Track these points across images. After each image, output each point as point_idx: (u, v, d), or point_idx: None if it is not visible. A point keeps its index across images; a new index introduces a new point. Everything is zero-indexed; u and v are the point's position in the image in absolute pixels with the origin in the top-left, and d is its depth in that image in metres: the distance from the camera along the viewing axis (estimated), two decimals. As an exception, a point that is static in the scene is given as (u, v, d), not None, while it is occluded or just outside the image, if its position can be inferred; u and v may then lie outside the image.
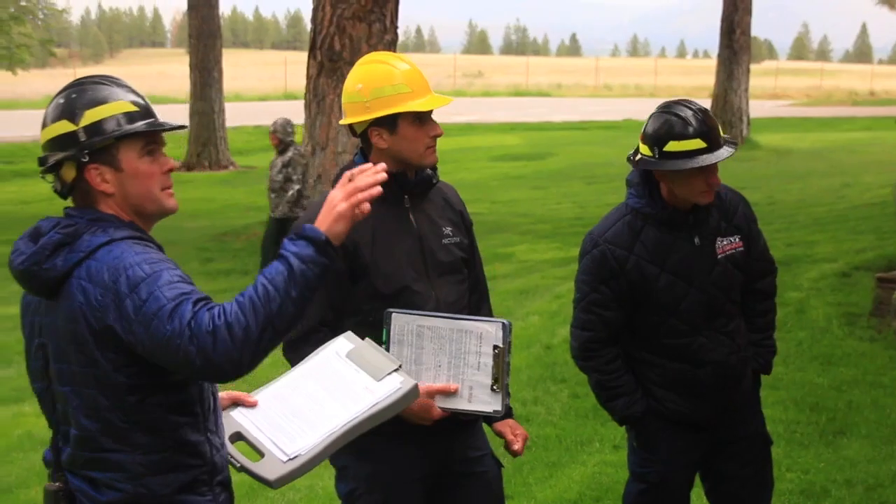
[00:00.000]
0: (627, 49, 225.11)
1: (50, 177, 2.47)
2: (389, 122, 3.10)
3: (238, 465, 2.56)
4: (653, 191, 3.55)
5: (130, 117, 2.44)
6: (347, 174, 2.43)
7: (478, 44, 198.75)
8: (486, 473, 3.27)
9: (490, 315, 3.38)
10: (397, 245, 3.12)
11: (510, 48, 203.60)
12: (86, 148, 2.39)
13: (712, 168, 3.46)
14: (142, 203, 2.46)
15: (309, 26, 13.37)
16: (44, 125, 2.47)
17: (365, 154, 3.19)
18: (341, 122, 3.23)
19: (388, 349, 3.03)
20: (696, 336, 3.57)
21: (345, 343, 2.75)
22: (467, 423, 3.19)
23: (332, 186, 3.26)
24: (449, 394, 3.03)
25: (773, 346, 3.81)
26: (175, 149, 23.13)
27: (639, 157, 3.54)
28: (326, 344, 2.78)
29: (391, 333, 3.04)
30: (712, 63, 25.37)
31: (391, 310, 3.03)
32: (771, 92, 48.56)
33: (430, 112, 3.16)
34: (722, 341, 3.60)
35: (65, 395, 2.42)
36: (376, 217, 3.10)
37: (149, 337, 2.24)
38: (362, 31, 12.68)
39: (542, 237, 12.62)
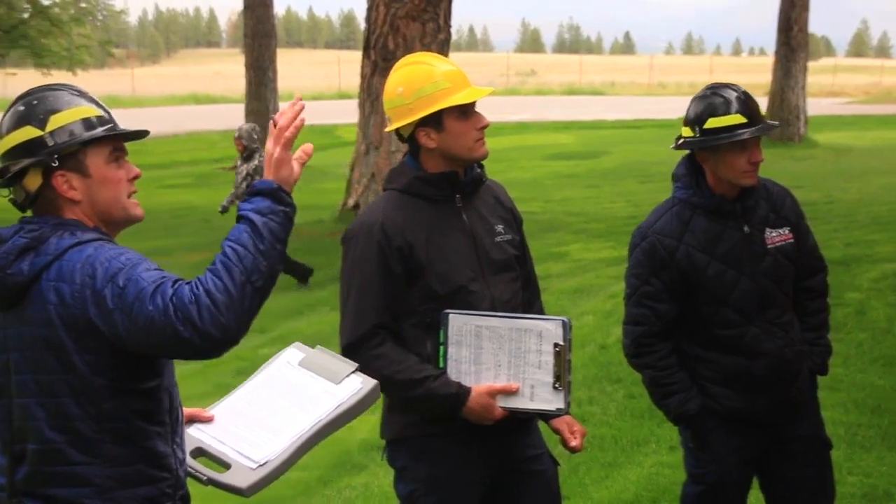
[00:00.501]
0: (682, 47, 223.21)
1: (5, 191, 2.39)
2: (435, 121, 3.09)
3: (205, 478, 2.49)
4: (699, 180, 3.56)
5: (93, 123, 2.39)
6: (271, 122, 2.42)
7: (531, 42, 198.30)
8: (544, 472, 3.25)
9: (542, 312, 3.37)
10: (451, 245, 3.11)
11: (563, 46, 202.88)
12: (55, 152, 2.32)
13: (754, 147, 3.48)
14: (109, 210, 2.41)
15: (363, 26, 13.42)
16: (2, 134, 2.38)
17: (415, 156, 3.18)
18: (387, 129, 3.23)
19: (446, 350, 3.03)
20: (748, 326, 3.53)
21: (295, 353, 2.72)
22: (524, 422, 3.18)
23: (384, 187, 3.28)
24: (510, 393, 3.02)
25: (829, 345, 3.76)
26: (230, 148, 23.35)
27: (681, 140, 3.56)
28: (275, 356, 2.74)
29: (449, 334, 3.03)
30: (768, 60, 25.06)
31: (448, 311, 3.02)
32: (829, 89, 47.87)
33: (474, 105, 3.15)
34: (775, 333, 3.55)
35: (26, 407, 2.31)
36: (429, 218, 3.11)
37: (132, 322, 2.19)
38: (416, 31, 12.71)
39: (595, 236, 12.55)
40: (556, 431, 3.26)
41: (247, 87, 21.26)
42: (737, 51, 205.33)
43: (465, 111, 3.11)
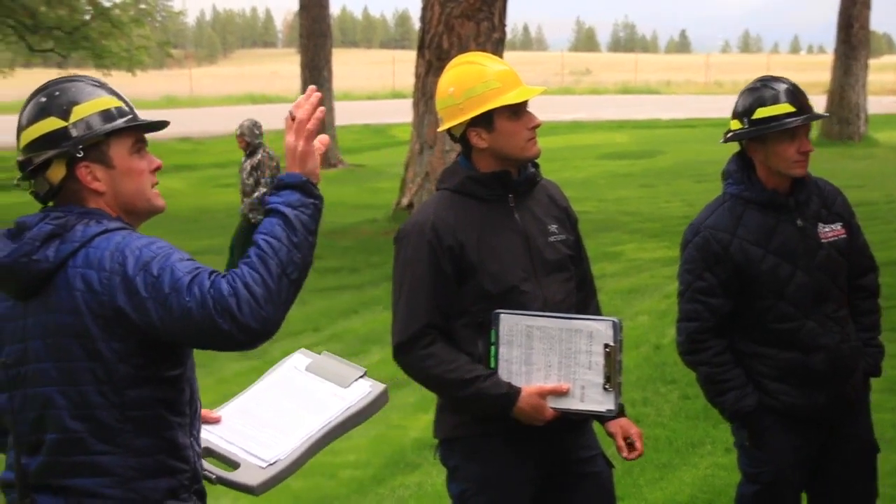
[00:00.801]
0: (739, 45, 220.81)
1: (26, 184, 2.37)
2: (485, 121, 3.08)
3: (214, 477, 2.47)
4: (751, 175, 3.57)
5: (114, 114, 2.37)
6: (287, 117, 2.40)
7: (585, 41, 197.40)
8: (599, 474, 3.23)
9: (598, 312, 3.35)
10: (503, 244, 3.10)
11: (618, 45, 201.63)
12: (79, 143, 2.31)
13: (803, 136, 3.50)
14: (133, 201, 2.39)
15: (417, 25, 13.45)
16: (24, 126, 2.37)
17: (467, 156, 3.18)
18: (439, 129, 3.22)
19: (496, 350, 3.02)
20: (804, 320, 3.51)
21: (301, 358, 2.72)
22: (577, 423, 3.16)
23: (436, 187, 3.28)
24: (561, 394, 3.01)
25: (882, 346, 3.72)
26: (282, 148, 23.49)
27: (730, 133, 3.58)
28: (280, 362, 2.75)
29: (500, 334, 3.02)
30: (828, 58, 24.70)
31: (499, 311, 3.02)
32: (890, 87, 47.01)
33: (526, 104, 3.13)
34: (832, 327, 3.54)
35: (46, 396, 2.27)
36: (481, 217, 3.11)
37: (166, 312, 2.17)
38: (470, 30, 12.71)
39: (650, 236, 12.46)
40: (611, 436, 3.24)
41: (302, 86, 21.38)
42: (795, 48, 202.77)
43: (516, 111, 3.10)
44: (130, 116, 2.39)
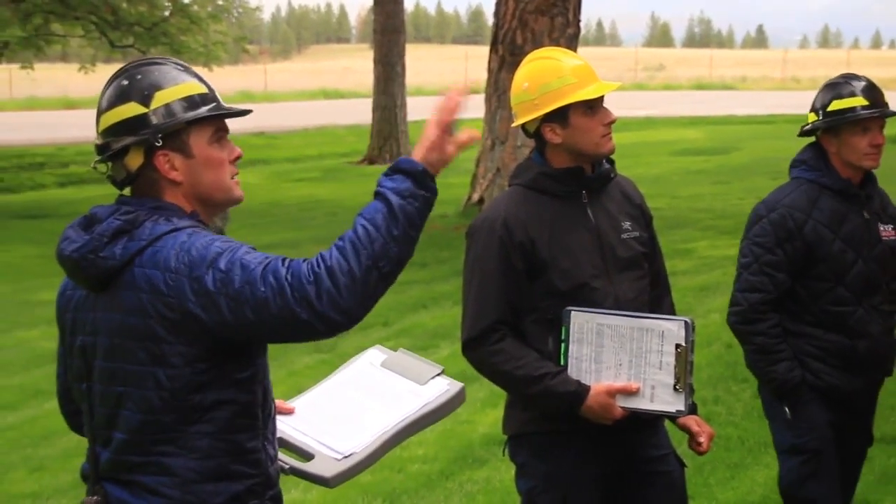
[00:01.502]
0: (817, 40, 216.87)
1: (102, 166, 2.30)
2: (560, 116, 3.07)
3: (287, 467, 2.43)
4: (827, 163, 3.76)
5: (197, 101, 2.28)
6: (435, 103, 2.28)
7: (660, 36, 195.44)
8: (670, 473, 3.21)
9: (672, 310, 3.33)
10: (575, 241, 3.09)
11: (693, 41, 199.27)
12: (160, 131, 2.22)
13: (876, 130, 3.70)
14: (211, 192, 2.30)
15: (490, 20, 13.43)
16: (104, 109, 2.28)
17: (541, 152, 3.17)
18: (513, 124, 3.21)
19: (567, 348, 3.01)
20: (857, 307, 3.71)
21: (377, 354, 2.71)
22: (648, 422, 3.14)
23: (509, 182, 3.27)
24: (630, 393, 2.98)
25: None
26: (357, 143, 23.71)
27: (807, 126, 3.80)
28: (355, 357, 2.74)
29: (570, 332, 3.01)
30: (910, 53, 24.08)
31: (570, 308, 3.00)
32: (975, 83, 45.85)
33: (601, 100, 3.11)
34: (877, 318, 3.75)
35: (115, 395, 2.23)
36: (554, 214, 3.10)
37: (240, 307, 2.07)
38: (544, 25, 12.66)
39: (723, 233, 12.29)
40: (685, 429, 3.21)
41: (375, 82, 21.51)
42: (876, 44, 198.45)
43: (592, 106, 3.08)
44: (214, 105, 2.30)
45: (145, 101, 2.24)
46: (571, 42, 13.02)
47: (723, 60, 70.06)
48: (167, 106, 2.25)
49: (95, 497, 2.27)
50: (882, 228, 3.78)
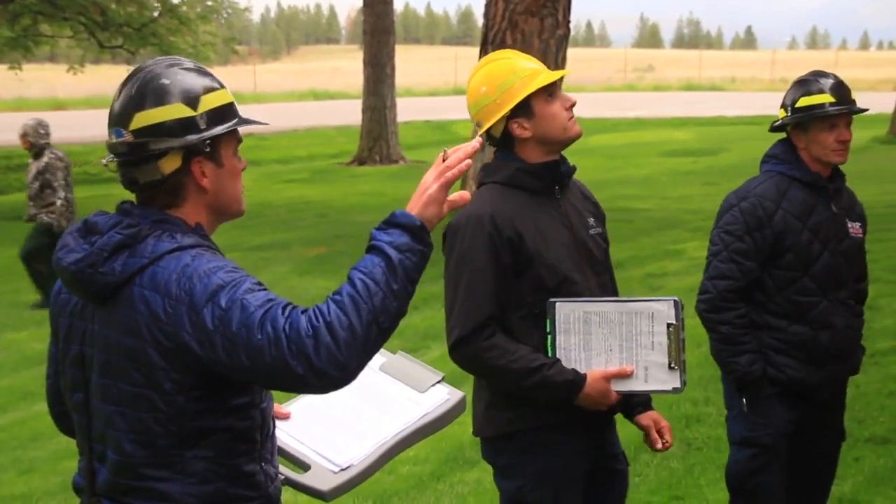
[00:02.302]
0: (806, 41, 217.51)
1: (113, 165, 2.21)
2: (524, 110, 3.10)
3: (282, 477, 2.36)
4: (798, 158, 3.84)
5: (233, 109, 2.23)
6: (441, 154, 2.21)
7: (649, 37, 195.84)
8: (622, 472, 3.30)
9: None
10: (556, 236, 3.12)
11: (682, 42, 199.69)
12: (208, 137, 2.16)
13: (843, 127, 3.77)
14: (230, 203, 2.26)
15: (480, 22, 13.44)
16: (138, 107, 2.15)
17: (511, 151, 3.18)
18: (479, 133, 3.14)
19: (553, 339, 3.02)
20: (822, 299, 3.77)
21: (376, 356, 2.69)
22: (612, 418, 3.21)
23: (481, 182, 3.27)
24: (624, 377, 3.02)
25: (863, 347, 4.02)
26: (347, 144, 23.70)
27: (777, 122, 3.88)
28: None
29: (557, 323, 3.02)
30: (898, 55, 24.18)
31: (554, 300, 3.02)
32: (962, 85, 46.01)
33: (559, 86, 3.17)
34: (841, 312, 3.81)
35: (108, 414, 2.16)
36: (534, 209, 3.12)
37: (235, 350, 1.99)
38: (534, 26, 12.67)
39: (713, 234, 12.31)
40: (644, 429, 3.25)
41: (364, 83, 21.50)
42: (864, 45, 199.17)
43: (552, 93, 3.13)
44: (238, 116, 2.25)
45: (193, 104, 2.16)
46: (561, 43, 13.04)
47: (712, 61, 70.21)
48: (213, 111, 2.18)
49: None
50: (851, 225, 3.86)
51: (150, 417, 2.11)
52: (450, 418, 2.51)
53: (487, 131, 3.16)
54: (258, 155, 22.49)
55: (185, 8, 21.81)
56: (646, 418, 3.24)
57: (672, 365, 3.02)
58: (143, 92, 2.16)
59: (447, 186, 2.15)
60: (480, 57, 13.10)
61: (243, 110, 2.29)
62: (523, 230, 3.07)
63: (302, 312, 2.00)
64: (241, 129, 2.28)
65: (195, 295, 2.03)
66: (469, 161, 2.21)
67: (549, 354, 3.04)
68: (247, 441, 2.18)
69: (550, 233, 3.11)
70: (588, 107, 31.69)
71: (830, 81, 3.81)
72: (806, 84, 3.83)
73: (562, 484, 3.09)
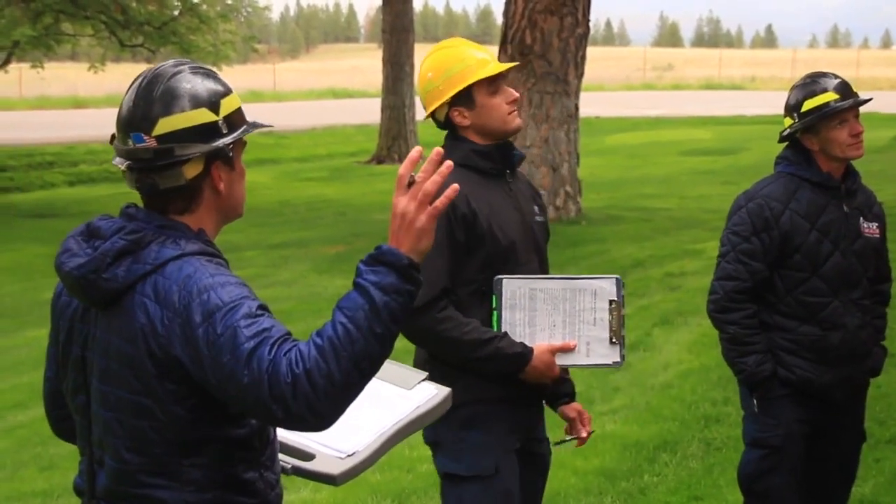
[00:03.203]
0: (827, 40, 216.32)
1: (118, 169, 2.18)
2: (466, 99, 3.18)
3: (289, 467, 2.37)
4: (808, 159, 3.81)
5: (241, 113, 2.22)
6: (405, 177, 2.06)
7: (668, 36, 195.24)
8: (544, 457, 3.37)
9: None
10: (507, 217, 3.20)
11: (702, 40, 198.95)
12: (231, 142, 2.15)
13: (853, 121, 3.75)
14: (238, 205, 2.25)
15: (499, 20, 13.42)
16: (162, 112, 2.11)
17: (455, 139, 3.25)
18: (424, 117, 3.32)
19: (499, 315, 3.13)
20: (832, 299, 3.76)
21: None
22: (541, 404, 3.31)
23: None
24: (567, 351, 3.14)
25: (886, 349, 4.00)
26: (366, 142, 23.72)
27: (785, 131, 3.85)
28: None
29: (503, 299, 3.12)
30: (920, 53, 24.02)
31: (501, 276, 3.12)
32: None
33: (503, 80, 3.22)
34: (854, 312, 3.79)
35: (106, 421, 2.14)
36: (487, 189, 3.21)
37: (223, 378, 1.98)
38: (554, 25, 12.66)
39: (733, 234, 12.26)
40: (567, 419, 3.37)
41: (383, 81, 21.52)
42: (886, 44, 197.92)
43: (495, 87, 3.19)
44: (247, 121, 2.24)
45: (215, 108, 2.15)
46: (581, 42, 13.01)
47: (732, 60, 69.95)
48: (231, 115, 2.17)
49: None
50: (866, 225, 3.84)
51: (146, 425, 2.09)
52: (439, 412, 2.58)
53: (433, 115, 3.25)
54: (277, 153, 22.55)
55: (205, 7, 21.85)
56: (571, 409, 3.36)
57: (613, 340, 3.15)
58: (166, 97, 2.13)
59: (435, 216, 2.04)
60: (499, 56, 13.11)
61: (263, 109, 2.32)
62: (477, 208, 3.14)
63: (286, 353, 1.95)
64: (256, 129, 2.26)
65: (192, 311, 2.01)
66: (457, 187, 2.09)
67: (495, 329, 3.13)
68: (245, 449, 2.16)
69: (503, 213, 3.19)
70: (607, 106, 31.65)
71: (830, 80, 3.80)
72: (806, 87, 3.81)
73: (502, 457, 3.15)
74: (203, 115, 2.13)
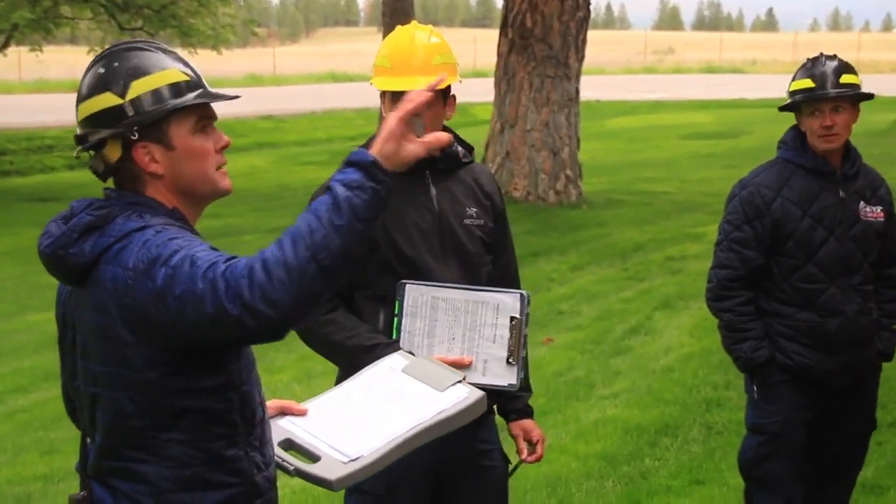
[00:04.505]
0: (828, 23, 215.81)
1: (85, 155, 2.20)
2: (383, 96, 3.08)
3: (292, 468, 2.35)
4: (804, 143, 3.81)
5: (180, 88, 2.16)
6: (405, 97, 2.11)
7: (669, 20, 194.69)
8: (494, 469, 3.16)
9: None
10: (413, 219, 3.05)
11: (702, 24, 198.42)
12: (135, 124, 2.12)
13: (827, 113, 3.70)
14: (193, 184, 2.20)
15: (499, 4, 13.38)
16: (82, 98, 2.17)
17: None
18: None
19: (400, 322, 2.96)
20: (829, 286, 3.75)
21: (399, 359, 2.64)
22: (487, 417, 3.08)
23: None
24: (462, 367, 2.90)
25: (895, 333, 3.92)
26: (366, 126, 23.66)
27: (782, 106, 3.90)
28: (379, 360, 2.68)
29: (405, 305, 2.95)
30: (922, 37, 23.95)
31: (405, 281, 2.96)
32: None
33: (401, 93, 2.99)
34: (853, 297, 3.77)
35: (91, 396, 2.17)
36: (398, 188, 3.02)
37: (183, 304, 1.96)
38: (554, 8, 12.62)
39: (734, 218, 12.24)
40: (513, 438, 3.19)
41: (384, 65, 21.41)
42: (888, 27, 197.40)
43: (394, 98, 3.01)
44: (199, 92, 2.19)
45: (121, 90, 2.14)
46: (582, 25, 12.97)
47: (733, 44, 69.76)
48: (144, 96, 2.13)
49: (83, 492, 2.21)
50: (867, 209, 3.80)
51: (124, 397, 2.10)
52: (467, 416, 2.47)
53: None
54: (277, 137, 22.50)
55: (204, -11, 21.76)
56: (516, 427, 3.20)
57: (510, 360, 2.93)
58: (86, 82, 2.18)
59: (404, 121, 2.07)
60: (500, 40, 13.07)
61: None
62: None
63: (245, 258, 1.97)
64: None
65: (151, 262, 2.02)
66: (431, 93, 2.12)
67: (394, 336, 2.98)
68: (224, 424, 2.15)
69: (408, 216, 3.03)
70: (607, 89, 31.55)
71: (819, 66, 3.77)
72: (803, 67, 3.81)
73: (398, 477, 2.87)
74: (107, 100, 2.14)
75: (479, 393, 2.50)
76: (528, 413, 3.21)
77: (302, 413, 2.49)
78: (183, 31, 19.88)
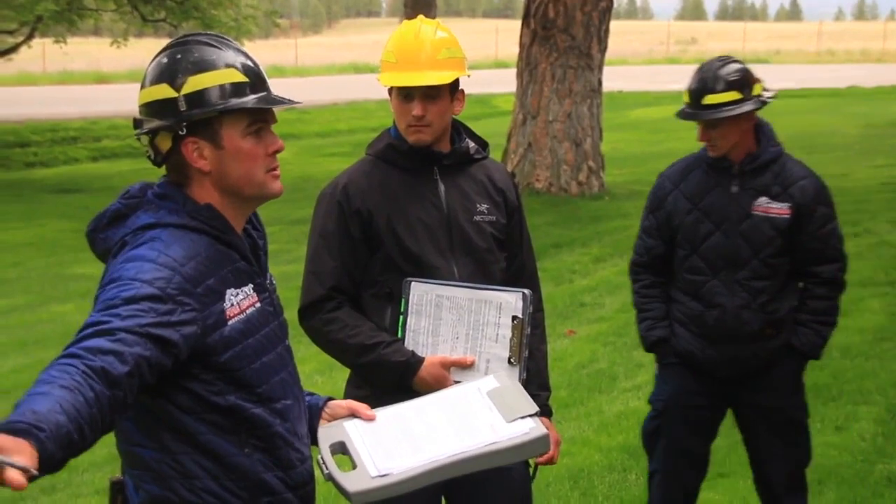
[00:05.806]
0: (853, 12, 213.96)
1: (145, 138, 2.22)
2: (391, 91, 3.05)
3: (326, 472, 2.31)
4: None
5: (238, 88, 2.15)
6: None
7: (692, 10, 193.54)
8: (510, 472, 3.01)
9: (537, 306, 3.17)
10: (419, 216, 3.02)
11: (726, 14, 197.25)
12: (184, 120, 2.12)
13: (701, 124, 3.79)
14: (239, 185, 2.19)
15: (522, -6, 13.33)
16: (143, 84, 2.20)
17: (380, 134, 3.17)
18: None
19: (405, 320, 2.94)
20: (711, 278, 3.85)
21: (492, 381, 2.55)
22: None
23: (366, 151, 3.14)
24: (465, 366, 2.88)
25: (823, 332, 3.88)
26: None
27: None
28: (476, 379, 2.61)
29: (409, 303, 2.93)
30: (949, 26, 23.70)
31: (410, 279, 2.93)
32: None
33: (413, 90, 3.01)
34: (737, 292, 3.82)
35: None
36: (400, 187, 3.03)
37: None
38: (576, -2, 12.54)
39: (758, 209, 12.16)
40: None
41: (405, 56, 21.36)
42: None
43: (404, 94, 3.04)
44: (262, 95, 2.17)
45: (177, 84, 2.14)
46: (604, 15, 12.92)
47: (756, 33, 69.29)
48: (198, 92, 2.13)
49: (119, 475, 2.24)
50: (769, 205, 3.78)
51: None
52: (521, 453, 2.39)
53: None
54: (299, 129, 22.52)
55: (226, -19, 21.77)
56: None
57: (512, 360, 2.89)
58: (150, 70, 2.20)
59: None
60: (522, 30, 13.03)
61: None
62: (375, 205, 3.00)
63: (89, 347, 1.86)
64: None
65: (111, 275, 2.05)
66: None
67: (399, 335, 2.95)
68: (221, 422, 2.14)
69: (414, 213, 3.01)
70: (630, 80, 31.41)
71: (702, 75, 3.84)
72: (695, 71, 3.92)
73: None
74: (161, 91, 2.15)
75: (542, 431, 2.39)
76: (546, 413, 3.12)
77: (370, 418, 2.44)
78: (205, 23, 19.89)
